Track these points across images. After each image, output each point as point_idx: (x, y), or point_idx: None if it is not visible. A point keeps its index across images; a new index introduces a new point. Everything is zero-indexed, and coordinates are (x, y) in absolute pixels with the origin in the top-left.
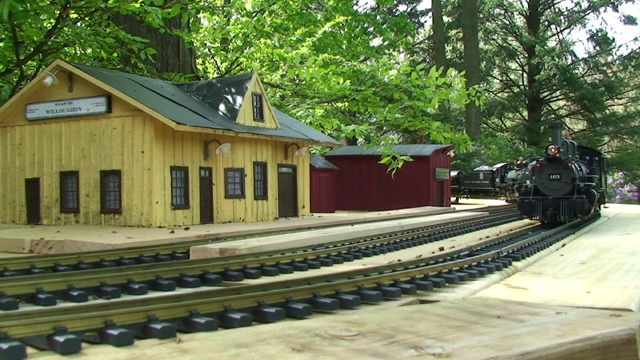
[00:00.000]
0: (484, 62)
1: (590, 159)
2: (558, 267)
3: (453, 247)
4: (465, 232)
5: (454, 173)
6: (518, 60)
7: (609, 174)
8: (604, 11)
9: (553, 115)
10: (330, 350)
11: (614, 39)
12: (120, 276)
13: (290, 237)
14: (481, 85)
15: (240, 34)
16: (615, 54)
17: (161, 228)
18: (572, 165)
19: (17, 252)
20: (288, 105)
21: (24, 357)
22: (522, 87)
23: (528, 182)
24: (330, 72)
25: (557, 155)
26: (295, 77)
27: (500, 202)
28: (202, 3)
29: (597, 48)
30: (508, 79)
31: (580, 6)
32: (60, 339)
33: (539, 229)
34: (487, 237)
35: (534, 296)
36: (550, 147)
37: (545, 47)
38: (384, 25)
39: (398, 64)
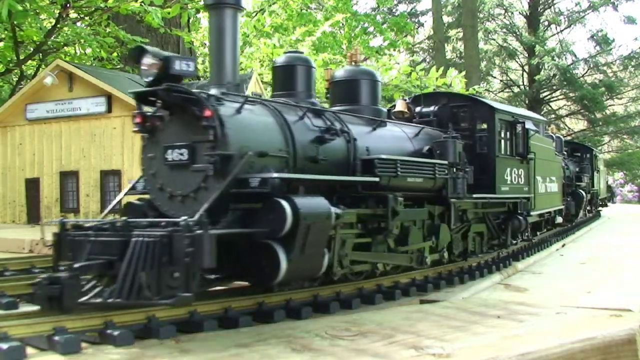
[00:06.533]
0: (484, 62)
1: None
2: (558, 267)
3: None
4: None
5: None
6: (518, 60)
7: (610, 174)
8: (604, 11)
9: (553, 115)
10: (330, 350)
11: (614, 39)
12: None
13: None
14: (481, 85)
15: (240, 34)
16: (615, 54)
17: None
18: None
19: (17, 252)
20: None
21: (24, 357)
22: (522, 87)
23: None
24: None
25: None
26: None
27: None
28: (201, 3)
29: (597, 48)
30: (508, 79)
31: (580, 6)
32: (61, 339)
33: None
34: None
35: (534, 296)
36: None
37: (545, 47)
38: (384, 25)
39: (398, 64)
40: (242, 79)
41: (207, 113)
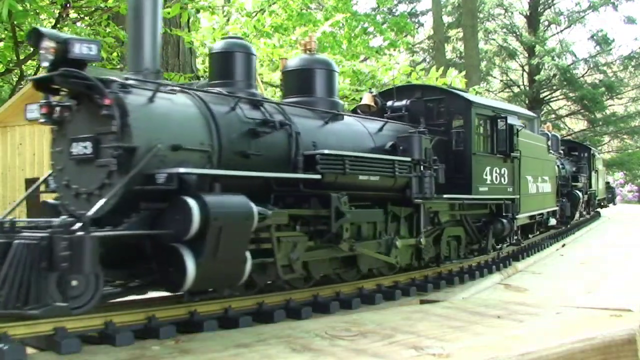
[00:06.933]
0: (484, 62)
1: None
2: (558, 267)
3: None
4: None
5: None
6: (518, 60)
7: (610, 174)
8: (604, 11)
9: (553, 115)
10: (330, 350)
11: (614, 39)
12: None
13: None
14: (481, 86)
15: (240, 34)
16: (615, 54)
17: None
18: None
19: None
20: None
21: (24, 357)
22: (522, 87)
23: None
24: None
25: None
26: None
27: None
28: (201, 3)
29: (597, 48)
30: (508, 79)
31: (580, 6)
32: (61, 339)
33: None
34: None
35: (534, 296)
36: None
37: (545, 47)
38: (384, 25)
39: (398, 64)
40: None
41: (107, 101)
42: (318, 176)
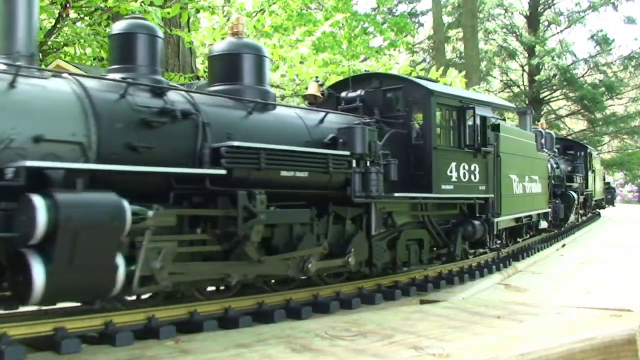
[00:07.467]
0: (484, 62)
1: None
2: (558, 267)
3: None
4: None
5: None
6: (518, 60)
7: (609, 174)
8: (604, 11)
9: (553, 115)
10: (330, 350)
11: (614, 39)
12: None
13: None
14: (481, 86)
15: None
16: (615, 54)
17: None
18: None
19: None
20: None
21: (24, 357)
22: (522, 87)
23: None
24: (330, 72)
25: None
26: (295, 77)
27: None
28: (201, 2)
29: (597, 48)
30: (508, 79)
31: (580, 6)
32: (61, 339)
33: None
34: None
35: (534, 296)
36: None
37: (545, 47)
38: (384, 25)
39: (398, 64)
40: None
41: None
42: (222, 171)
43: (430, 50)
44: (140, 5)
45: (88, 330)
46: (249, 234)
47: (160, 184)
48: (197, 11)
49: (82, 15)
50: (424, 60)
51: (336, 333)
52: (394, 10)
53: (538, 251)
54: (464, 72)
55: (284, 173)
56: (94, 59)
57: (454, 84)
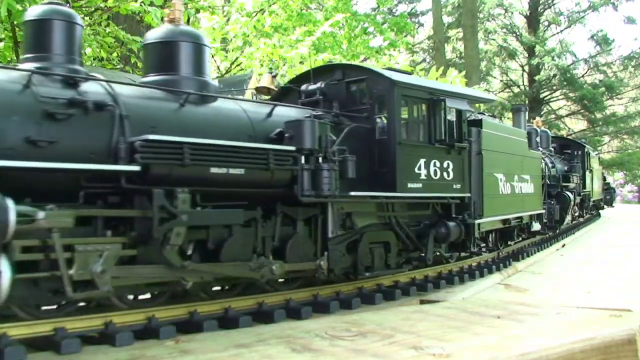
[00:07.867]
0: (484, 62)
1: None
2: (558, 267)
3: None
4: None
5: None
6: (518, 60)
7: (610, 174)
8: (604, 11)
9: (553, 115)
10: (330, 350)
11: (614, 39)
12: None
13: None
14: (481, 86)
15: (240, 34)
16: (615, 54)
17: None
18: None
19: None
20: None
21: (25, 357)
22: (522, 87)
23: None
24: None
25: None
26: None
27: None
28: (201, 2)
29: (597, 48)
30: (508, 79)
31: (580, 6)
32: (61, 339)
33: None
34: None
35: (534, 296)
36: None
37: (545, 47)
38: (384, 26)
39: (398, 63)
40: (242, 79)
41: None
42: (135, 167)
43: (430, 50)
44: (140, 5)
45: (88, 330)
46: (169, 237)
47: (67, 182)
48: (197, 11)
49: (82, 15)
50: (424, 60)
51: (336, 333)
52: (394, 10)
53: (538, 251)
54: (464, 72)
55: (214, 170)
56: (93, 59)
57: (453, 84)
